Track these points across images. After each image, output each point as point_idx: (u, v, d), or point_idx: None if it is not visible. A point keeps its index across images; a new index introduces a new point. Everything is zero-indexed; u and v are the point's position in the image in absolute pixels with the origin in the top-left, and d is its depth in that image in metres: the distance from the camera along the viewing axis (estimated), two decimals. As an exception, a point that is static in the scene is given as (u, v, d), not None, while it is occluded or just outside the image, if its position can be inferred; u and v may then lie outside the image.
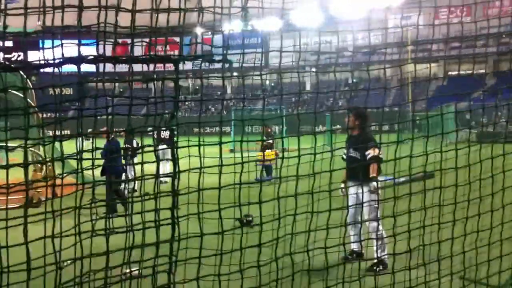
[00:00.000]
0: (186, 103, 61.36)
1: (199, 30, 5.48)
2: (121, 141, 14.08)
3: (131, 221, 3.64)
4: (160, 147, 13.66)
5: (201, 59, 3.65)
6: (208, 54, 3.67)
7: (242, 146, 3.96)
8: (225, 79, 4.89)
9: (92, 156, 3.44)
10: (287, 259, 4.23)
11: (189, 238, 3.81)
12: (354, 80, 59.62)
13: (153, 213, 3.67)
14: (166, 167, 14.94)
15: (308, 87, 60.70)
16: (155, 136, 4.29)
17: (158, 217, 3.65)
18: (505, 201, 5.23)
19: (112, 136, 12.28)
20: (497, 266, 5.17)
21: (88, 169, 3.47)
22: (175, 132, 3.79)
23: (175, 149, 3.73)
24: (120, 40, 3.50)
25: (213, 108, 67.72)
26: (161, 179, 4.01)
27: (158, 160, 3.73)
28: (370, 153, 7.11)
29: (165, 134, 15.86)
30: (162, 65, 3.75)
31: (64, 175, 3.47)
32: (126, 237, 3.61)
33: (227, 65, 3.68)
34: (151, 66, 3.46)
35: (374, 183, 6.75)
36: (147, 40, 3.60)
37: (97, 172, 4.32)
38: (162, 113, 3.66)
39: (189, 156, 3.88)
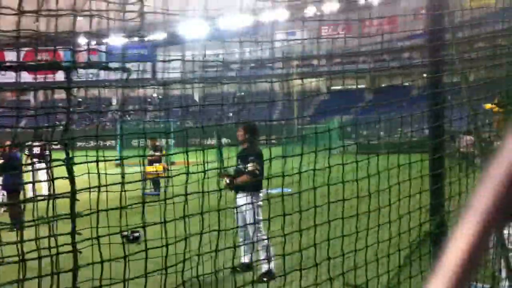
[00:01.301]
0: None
1: (88, 38, 5.23)
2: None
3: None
4: (37, 163, 12.82)
5: (96, 68, 3.44)
6: (103, 62, 3.49)
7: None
8: (115, 89, 4.69)
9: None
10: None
11: (91, 266, 3.49)
12: (242, 93, 60.52)
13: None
14: (42, 184, 13.93)
15: (196, 99, 60.55)
16: (28, 152, 3.96)
17: (56, 243, 3.26)
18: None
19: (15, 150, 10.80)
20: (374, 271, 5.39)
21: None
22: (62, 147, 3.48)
23: (70, 166, 3.39)
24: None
25: (98, 121, 65.35)
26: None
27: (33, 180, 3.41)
28: (249, 166, 7.31)
29: (36, 149, 14.76)
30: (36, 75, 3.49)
31: None
32: (20, 267, 3.20)
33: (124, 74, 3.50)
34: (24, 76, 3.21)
35: (261, 195, 7.01)
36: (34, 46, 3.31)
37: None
38: (53, 126, 3.38)
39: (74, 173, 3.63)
